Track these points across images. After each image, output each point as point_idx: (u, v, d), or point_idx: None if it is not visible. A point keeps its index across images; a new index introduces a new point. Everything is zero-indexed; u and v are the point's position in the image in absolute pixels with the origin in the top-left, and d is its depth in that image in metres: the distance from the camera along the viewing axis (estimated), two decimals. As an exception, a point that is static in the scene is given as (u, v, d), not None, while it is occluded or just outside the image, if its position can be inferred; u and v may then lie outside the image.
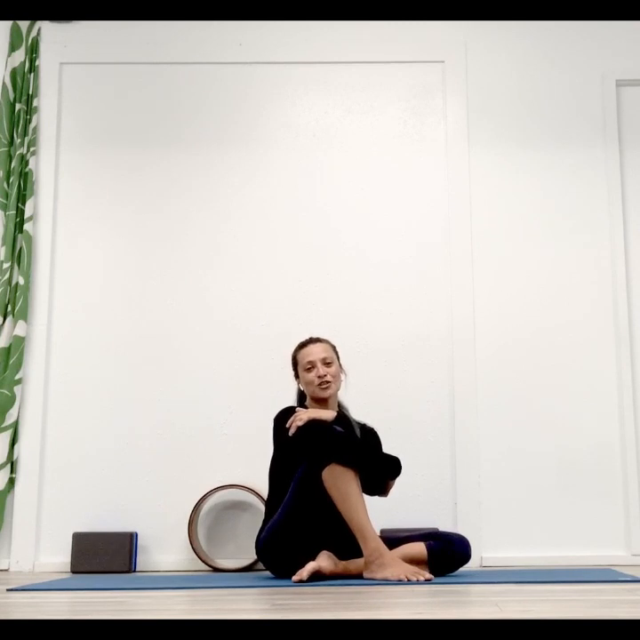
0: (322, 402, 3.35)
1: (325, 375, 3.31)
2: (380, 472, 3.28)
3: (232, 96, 4.34)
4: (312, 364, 3.34)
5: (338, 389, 3.39)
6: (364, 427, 3.41)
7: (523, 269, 4.19)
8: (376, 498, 3.37)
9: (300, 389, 3.44)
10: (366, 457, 3.17)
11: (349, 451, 3.07)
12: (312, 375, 3.33)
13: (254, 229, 4.23)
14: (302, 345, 3.42)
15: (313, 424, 3.12)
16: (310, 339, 3.44)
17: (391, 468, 3.31)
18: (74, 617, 2.05)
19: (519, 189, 4.26)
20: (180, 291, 4.18)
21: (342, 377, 3.43)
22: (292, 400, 3.45)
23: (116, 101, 4.33)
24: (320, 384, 3.31)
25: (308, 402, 3.41)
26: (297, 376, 3.42)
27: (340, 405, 3.44)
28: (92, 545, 3.82)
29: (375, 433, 3.43)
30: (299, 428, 3.13)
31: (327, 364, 3.34)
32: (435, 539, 3.20)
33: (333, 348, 3.44)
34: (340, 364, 3.43)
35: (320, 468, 3.05)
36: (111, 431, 4.06)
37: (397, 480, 3.37)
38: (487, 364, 4.10)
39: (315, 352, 3.36)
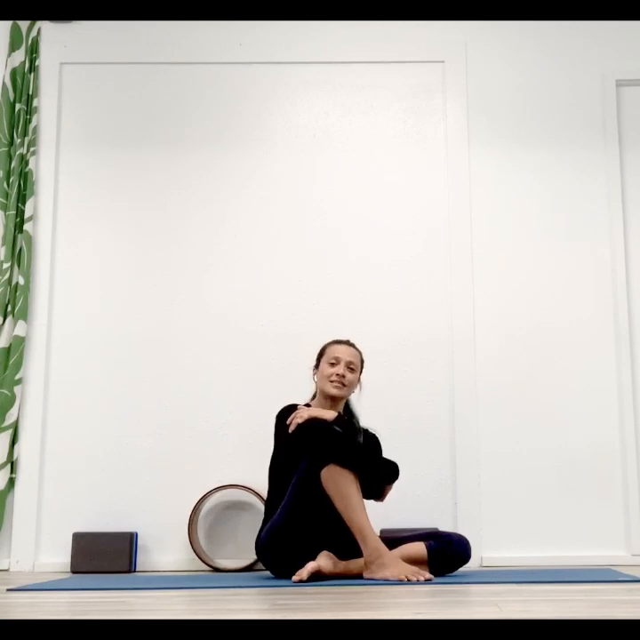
0: (329, 400, 3.36)
1: (343, 376, 3.34)
2: (376, 475, 3.27)
3: (232, 96, 4.34)
4: (337, 360, 3.36)
5: (347, 396, 3.41)
6: (366, 432, 3.41)
7: (523, 269, 4.19)
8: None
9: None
10: (364, 459, 3.17)
11: (347, 451, 3.07)
12: (332, 370, 3.35)
13: (254, 229, 4.23)
14: (338, 341, 3.46)
15: (312, 422, 3.13)
16: (348, 340, 3.47)
17: (388, 472, 3.31)
18: (74, 617, 2.05)
19: (519, 189, 4.26)
20: (180, 290, 4.18)
21: (357, 390, 3.44)
22: (291, 399, 3.45)
23: (116, 101, 4.33)
24: (334, 381, 3.33)
25: (314, 400, 3.42)
26: (317, 366, 3.43)
27: (350, 412, 3.44)
28: (92, 545, 3.81)
29: (376, 438, 3.43)
30: (298, 426, 3.14)
31: (351, 369, 3.37)
32: (435, 539, 3.20)
33: (362, 361, 3.46)
34: (360, 379, 3.45)
35: (318, 467, 3.05)
36: (111, 431, 4.06)
37: (397, 480, 3.36)
38: (487, 364, 4.10)
39: (345, 352, 3.39)
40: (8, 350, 4.04)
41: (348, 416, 3.40)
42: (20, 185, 4.19)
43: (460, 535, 3.26)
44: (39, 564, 3.92)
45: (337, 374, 3.33)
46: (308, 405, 3.36)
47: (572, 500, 4.00)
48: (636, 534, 3.95)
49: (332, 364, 3.36)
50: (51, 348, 4.12)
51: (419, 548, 3.15)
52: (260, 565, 3.68)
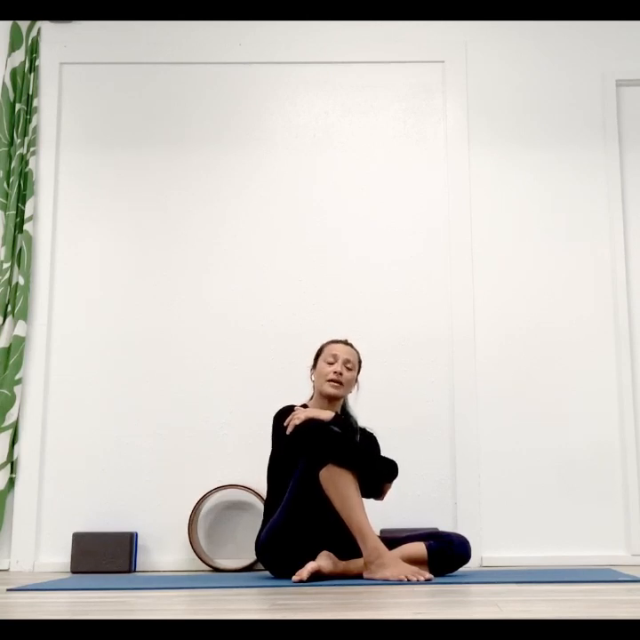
0: (327, 400, 3.36)
1: (341, 374, 3.33)
2: (375, 474, 3.27)
3: (232, 96, 4.34)
4: (335, 359, 3.36)
5: (344, 395, 3.41)
6: (363, 431, 3.41)
7: (523, 269, 4.19)
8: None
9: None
10: (362, 458, 3.17)
11: (345, 451, 3.07)
12: (329, 368, 3.34)
13: (254, 229, 4.23)
14: (335, 341, 3.46)
15: (310, 423, 3.13)
16: (345, 340, 3.47)
17: (387, 470, 3.30)
18: (74, 617, 2.05)
19: (519, 189, 4.26)
20: (180, 290, 4.18)
21: (354, 390, 3.44)
22: (291, 399, 3.45)
23: (116, 101, 4.33)
24: (331, 379, 3.33)
25: (311, 401, 3.42)
26: (314, 366, 3.43)
27: (347, 412, 3.44)
28: (92, 545, 3.81)
29: (374, 437, 3.43)
30: (296, 427, 3.14)
31: (348, 367, 3.37)
32: (435, 539, 3.20)
33: (359, 361, 3.46)
34: (357, 379, 3.45)
35: (317, 467, 3.05)
36: (111, 431, 4.06)
37: (397, 480, 3.36)
38: (487, 364, 4.10)
39: (343, 351, 3.39)
40: (8, 350, 4.04)
41: (345, 416, 3.40)
42: (20, 185, 4.19)
43: (459, 535, 3.26)
44: (39, 564, 3.92)
45: (334, 372, 3.33)
46: (304, 406, 3.36)
47: (572, 500, 4.00)
48: (636, 534, 3.95)
49: (330, 363, 3.36)
50: (51, 348, 4.12)
51: (419, 548, 3.14)
52: (260, 565, 3.68)
